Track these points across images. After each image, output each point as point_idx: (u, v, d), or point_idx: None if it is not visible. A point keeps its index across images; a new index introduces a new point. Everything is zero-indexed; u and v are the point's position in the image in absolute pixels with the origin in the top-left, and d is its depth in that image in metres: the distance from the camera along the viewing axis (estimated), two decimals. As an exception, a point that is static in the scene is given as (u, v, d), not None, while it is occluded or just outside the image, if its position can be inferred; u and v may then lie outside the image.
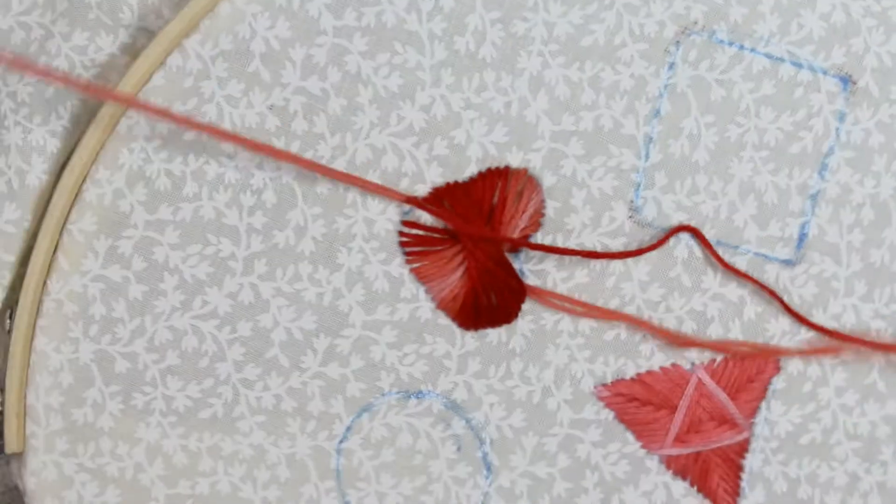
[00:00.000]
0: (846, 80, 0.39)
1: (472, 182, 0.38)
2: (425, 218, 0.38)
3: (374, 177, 0.37)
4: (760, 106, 0.39)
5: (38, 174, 0.38)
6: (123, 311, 0.37)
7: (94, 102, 0.38)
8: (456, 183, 0.38)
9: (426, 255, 0.38)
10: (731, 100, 0.39)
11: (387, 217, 0.38)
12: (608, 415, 0.40)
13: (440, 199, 0.37)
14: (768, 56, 0.38)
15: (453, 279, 0.38)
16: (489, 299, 0.38)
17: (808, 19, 0.38)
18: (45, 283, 0.37)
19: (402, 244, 0.38)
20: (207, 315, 0.38)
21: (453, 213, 0.37)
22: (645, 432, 0.41)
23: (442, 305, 0.38)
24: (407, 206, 0.37)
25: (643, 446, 0.41)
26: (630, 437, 0.41)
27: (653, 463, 0.41)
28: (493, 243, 0.37)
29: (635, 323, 0.39)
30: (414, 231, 0.38)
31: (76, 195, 0.37)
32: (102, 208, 0.37)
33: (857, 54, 0.38)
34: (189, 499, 0.39)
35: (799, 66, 0.39)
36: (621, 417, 0.41)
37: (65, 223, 0.37)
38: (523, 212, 0.38)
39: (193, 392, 0.38)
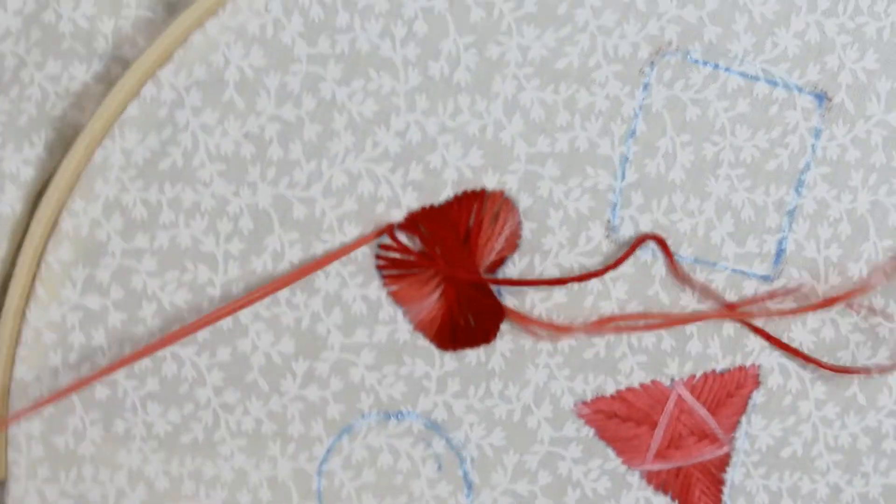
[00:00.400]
0: (821, 97, 0.40)
1: (448, 205, 0.39)
2: (402, 240, 0.39)
3: (350, 202, 0.39)
4: (736, 124, 0.40)
5: (10, 202, 0.40)
6: (102, 339, 0.39)
7: (68, 131, 0.40)
8: (432, 207, 0.39)
9: (403, 279, 0.40)
10: (707, 118, 0.40)
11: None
12: (588, 432, 0.42)
13: (416, 223, 0.39)
14: (743, 75, 0.40)
15: (430, 301, 0.40)
16: (466, 321, 0.40)
17: (782, 38, 0.40)
18: (23, 312, 0.39)
19: (379, 267, 0.39)
20: (186, 342, 0.39)
21: (429, 238, 0.39)
22: (626, 448, 0.43)
23: (420, 327, 0.40)
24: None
25: (624, 462, 0.42)
26: (611, 453, 0.42)
27: (634, 479, 0.43)
28: (471, 266, 0.39)
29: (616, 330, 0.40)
30: (390, 255, 0.39)
31: (53, 226, 0.38)
32: (79, 238, 0.38)
33: (831, 71, 0.40)
34: (172, 523, 0.40)
35: (774, 83, 0.40)
36: (602, 434, 0.42)
37: (42, 254, 0.38)
38: (499, 234, 0.39)
39: (174, 417, 0.40)
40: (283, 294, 0.40)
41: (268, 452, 0.41)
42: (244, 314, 0.40)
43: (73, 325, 0.39)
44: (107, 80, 0.40)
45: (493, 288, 0.41)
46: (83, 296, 0.39)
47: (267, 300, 0.40)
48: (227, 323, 0.40)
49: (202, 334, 0.40)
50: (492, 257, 0.40)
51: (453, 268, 0.40)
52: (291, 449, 0.41)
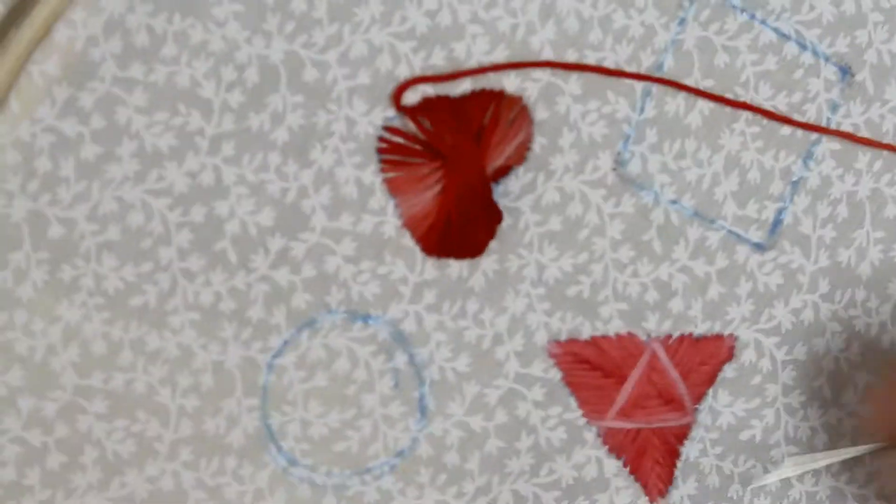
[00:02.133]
0: (845, 71, 0.46)
1: (465, 99, 0.43)
2: (411, 128, 0.42)
3: (364, 75, 0.42)
4: (760, 80, 0.46)
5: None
6: (70, 171, 0.41)
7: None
8: (448, 97, 0.43)
9: (403, 166, 0.43)
10: (734, 68, 0.45)
11: (369, 120, 0.43)
12: (556, 374, 0.46)
13: (430, 110, 0.42)
14: (776, 31, 0.46)
15: (426, 196, 0.44)
16: (461, 225, 0.43)
17: (820, 2, 0.45)
18: (-13, 124, 0.40)
19: (380, 150, 0.43)
20: (161, 192, 0.42)
21: (439, 128, 0.42)
22: (589, 399, 0.47)
23: (409, 223, 0.44)
24: (393, 113, 0.42)
25: (584, 415, 0.47)
26: (573, 402, 0.47)
27: (590, 435, 0.47)
28: (478, 165, 0.42)
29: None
30: (395, 139, 0.43)
31: (44, 34, 0.40)
32: (71, 53, 0.41)
33: (859, 47, 0.46)
34: (99, 393, 0.43)
35: (804, 47, 0.46)
36: (568, 379, 0.47)
37: (26, 61, 0.40)
38: (513, 139, 0.44)
39: (129, 274, 0.42)
40: (275, 160, 0.42)
41: (220, 333, 0.44)
42: (228, 174, 0.42)
43: (41, 148, 0.41)
44: None
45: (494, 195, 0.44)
46: (60, 118, 0.41)
47: (255, 163, 0.42)
48: (208, 179, 0.42)
49: (178, 187, 0.42)
50: (500, 161, 0.44)
51: (459, 163, 0.43)
52: (246, 334, 0.44)
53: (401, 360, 0.47)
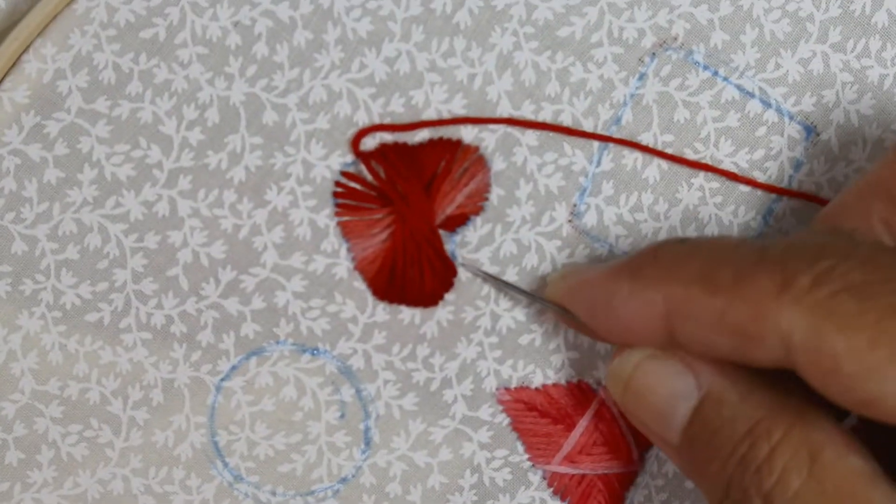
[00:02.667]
0: (810, 130, 0.46)
1: (421, 147, 0.45)
2: (366, 174, 0.43)
3: (322, 121, 0.43)
4: (721, 136, 0.46)
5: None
6: (34, 192, 0.43)
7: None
8: (405, 144, 0.44)
9: (357, 211, 0.45)
10: (694, 124, 0.46)
11: (327, 164, 0.44)
12: (503, 420, 0.47)
13: (385, 156, 0.44)
14: (739, 88, 0.46)
15: (377, 241, 0.45)
16: (409, 271, 0.45)
17: (786, 61, 0.45)
18: (-41, 145, 0.43)
19: (336, 195, 0.44)
20: (118, 217, 0.44)
21: (392, 175, 0.43)
22: (536, 445, 0.48)
23: (360, 266, 0.45)
24: (350, 158, 0.43)
25: (530, 459, 0.47)
26: (519, 447, 0.47)
27: (535, 477, 0.47)
28: (427, 213, 0.43)
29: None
30: (351, 184, 0.44)
31: (14, 64, 0.42)
32: (40, 85, 0.43)
33: (826, 106, 0.46)
34: (55, 399, 0.45)
35: (768, 105, 0.46)
36: (516, 426, 0.47)
37: (-4, 89, 0.43)
38: (464, 187, 0.44)
39: (85, 292, 0.44)
40: (229, 197, 0.44)
41: (171, 353, 0.46)
42: (183, 206, 0.44)
43: (7, 169, 0.43)
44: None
45: (448, 248, 0.45)
46: (27, 143, 0.43)
47: (210, 199, 0.44)
48: (163, 210, 0.44)
49: (134, 214, 0.44)
50: (451, 209, 0.45)
51: (408, 211, 0.44)
52: (196, 356, 0.46)
53: (347, 393, 0.48)
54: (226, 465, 0.48)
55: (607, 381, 0.46)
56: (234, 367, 0.47)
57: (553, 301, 0.45)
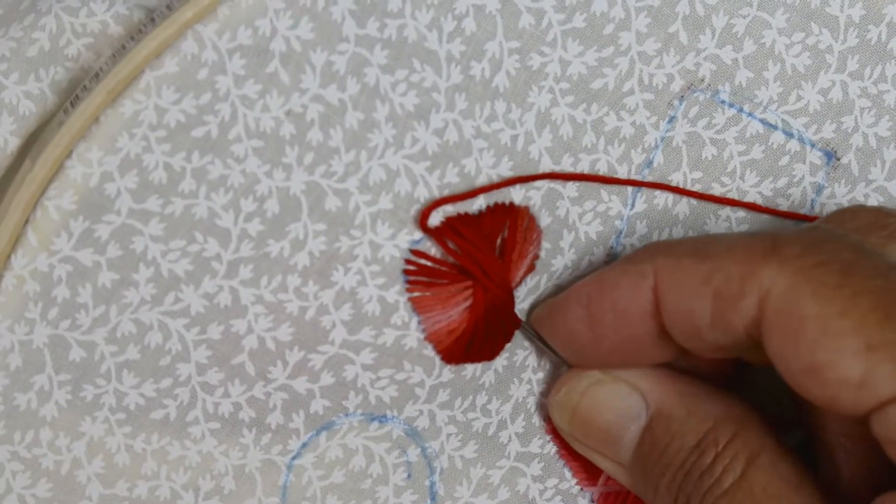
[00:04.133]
0: (830, 155, 0.47)
1: (482, 215, 0.44)
2: (433, 250, 0.43)
3: (385, 200, 0.42)
4: (746, 169, 0.47)
5: (4, 134, 0.42)
6: (88, 298, 0.42)
7: (79, 73, 0.42)
8: (468, 214, 0.43)
9: (430, 286, 0.44)
10: (721, 160, 0.46)
11: (394, 243, 0.43)
12: (551, 449, 0.48)
13: (454, 229, 0.43)
14: (763, 122, 0.46)
15: (454, 312, 0.44)
16: (485, 336, 0.44)
17: (807, 92, 0.46)
18: (8, 256, 0.41)
19: (407, 272, 0.43)
20: (178, 312, 0.43)
21: (468, 244, 0.43)
22: (582, 468, 0.50)
23: (432, 338, 0.45)
24: (417, 235, 0.43)
25: (578, 483, 0.48)
26: (567, 473, 0.49)
27: (584, 501, 0.48)
28: (505, 280, 0.43)
29: None
30: (421, 261, 0.43)
31: (58, 170, 0.41)
32: (87, 189, 0.41)
33: (846, 132, 0.47)
34: (125, 501, 0.44)
35: (790, 135, 0.47)
36: (562, 453, 0.48)
37: (40, 197, 0.41)
38: (528, 251, 0.44)
39: (149, 391, 0.43)
40: (294, 281, 0.43)
41: (241, 440, 0.45)
42: (245, 294, 0.43)
43: (59, 277, 0.42)
44: (128, 25, 0.43)
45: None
46: (77, 249, 0.42)
47: (274, 285, 0.43)
48: (224, 300, 0.43)
49: (195, 307, 0.43)
50: (521, 273, 0.45)
51: (489, 279, 0.44)
52: (266, 439, 0.45)
53: (413, 453, 0.48)
54: (302, 541, 0.48)
55: (552, 412, 0.48)
56: (304, 445, 0.47)
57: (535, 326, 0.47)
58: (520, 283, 0.47)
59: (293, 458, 0.47)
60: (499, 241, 0.46)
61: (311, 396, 0.46)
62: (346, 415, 0.47)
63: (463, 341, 0.46)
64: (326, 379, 0.46)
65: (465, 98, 0.45)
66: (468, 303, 0.46)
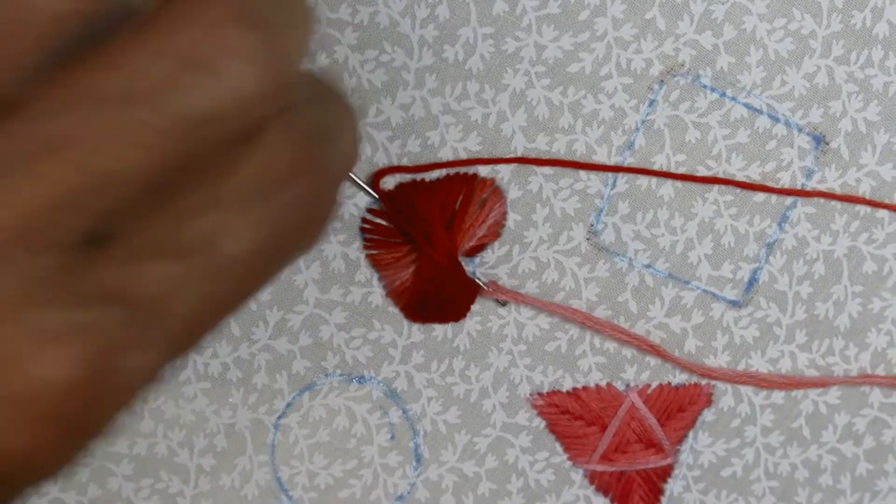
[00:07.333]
0: (819, 140, 0.45)
1: (439, 183, 0.44)
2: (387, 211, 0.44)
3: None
4: (732, 152, 0.45)
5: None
6: None
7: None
8: (423, 181, 0.44)
9: (383, 245, 0.45)
10: (705, 143, 0.45)
11: (354, 202, 0.43)
12: (540, 423, 0.47)
13: (405, 195, 0.43)
14: (748, 106, 0.45)
15: (404, 273, 0.45)
16: (438, 298, 0.45)
17: (791, 77, 0.44)
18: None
19: (363, 230, 0.44)
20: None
21: (413, 212, 0.43)
22: (573, 445, 0.48)
23: (391, 295, 0.45)
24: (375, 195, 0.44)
25: (570, 458, 0.48)
26: (558, 447, 0.48)
27: (577, 476, 0.48)
28: (449, 250, 0.44)
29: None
30: (376, 220, 0.44)
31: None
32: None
33: (833, 116, 0.45)
34: (125, 458, 0.45)
35: (776, 119, 0.45)
36: (552, 428, 0.48)
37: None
38: (483, 221, 0.45)
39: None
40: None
41: (230, 399, 0.46)
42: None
43: None
44: None
45: (469, 269, 0.45)
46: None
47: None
48: (209, 268, 0.44)
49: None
50: (472, 242, 0.45)
51: (431, 247, 0.44)
52: (253, 399, 0.46)
53: (395, 415, 0.49)
54: (290, 498, 0.49)
55: None
56: (289, 405, 0.48)
57: None
58: (479, 249, 0.47)
59: (279, 417, 0.48)
60: (453, 209, 0.46)
61: (292, 357, 0.47)
62: (326, 375, 0.48)
63: (416, 302, 0.47)
64: (305, 339, 0.47)
65: (435, 78, 0.45)
66: (415, 265, 0.47)
